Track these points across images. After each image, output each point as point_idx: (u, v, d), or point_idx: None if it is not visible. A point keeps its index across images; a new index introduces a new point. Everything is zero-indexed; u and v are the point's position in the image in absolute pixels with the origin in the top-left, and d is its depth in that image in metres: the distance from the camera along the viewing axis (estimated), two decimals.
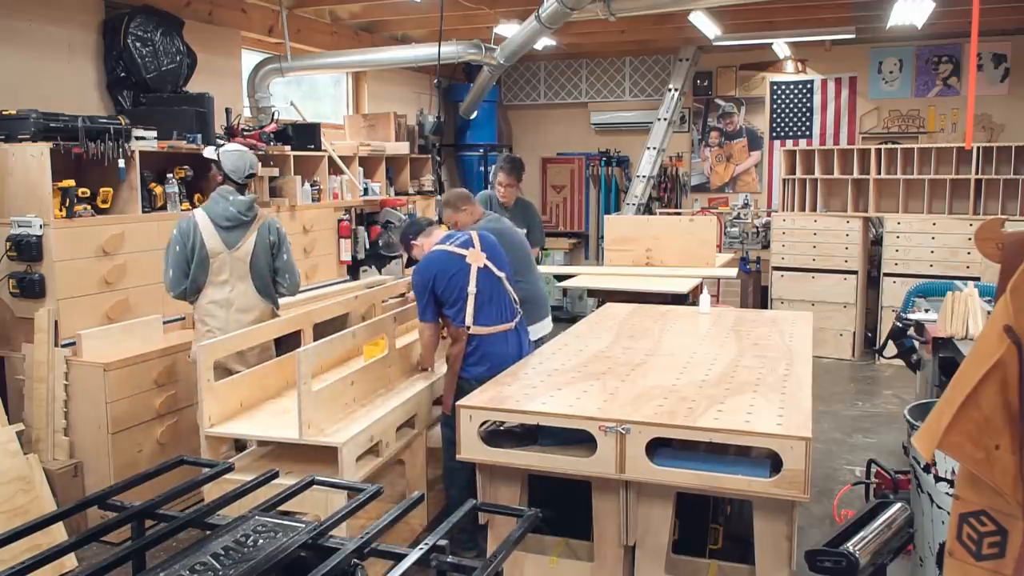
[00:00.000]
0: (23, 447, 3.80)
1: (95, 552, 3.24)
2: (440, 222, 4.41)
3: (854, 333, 7.57)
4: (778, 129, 9.02)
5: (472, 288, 3.72)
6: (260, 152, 5.15)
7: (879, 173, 7.41)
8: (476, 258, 3.79)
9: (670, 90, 8.84)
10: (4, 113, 4.01)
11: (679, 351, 3.74)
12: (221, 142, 4.57)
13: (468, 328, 3.69)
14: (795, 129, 8.94)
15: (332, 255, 5.99)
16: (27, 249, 3.88)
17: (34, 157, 3.90)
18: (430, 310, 3.78)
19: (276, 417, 3.77)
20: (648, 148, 8.80)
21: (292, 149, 5.50)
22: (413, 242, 4.11)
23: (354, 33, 7.53)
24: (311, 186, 5.74)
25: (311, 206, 5.67)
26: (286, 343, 4.35)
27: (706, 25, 7.07)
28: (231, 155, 3.98)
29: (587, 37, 8.19)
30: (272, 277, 4.07)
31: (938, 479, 2.86)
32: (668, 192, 9.52)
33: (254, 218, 3.98)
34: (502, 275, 3.85)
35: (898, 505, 2.57)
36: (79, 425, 3.95)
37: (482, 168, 9.07)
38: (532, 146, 9.98)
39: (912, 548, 3.14)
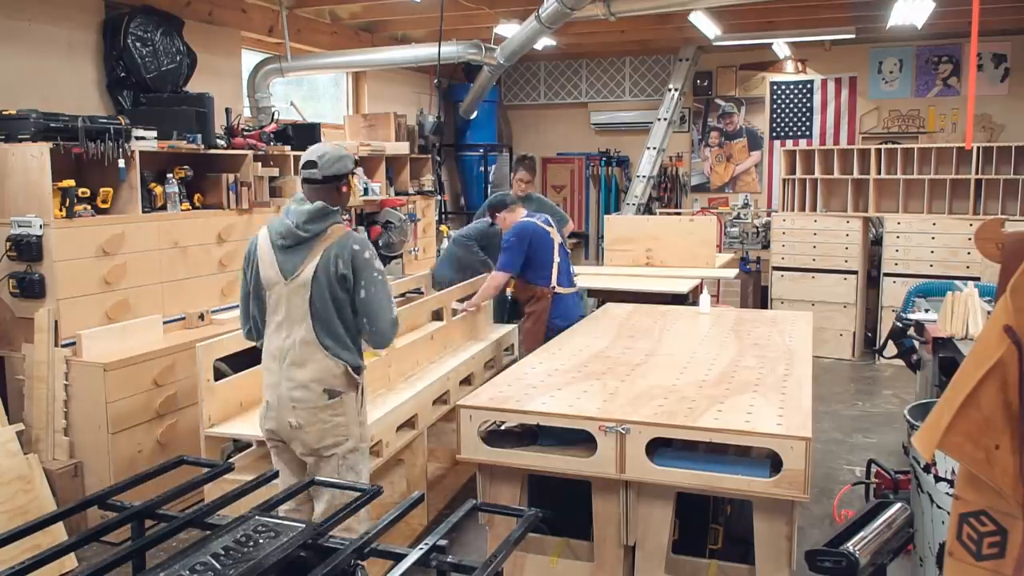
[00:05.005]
0: (23, 447, 3.80)
1: (95, 552, 3.25)
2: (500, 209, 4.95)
3: (854, 333, 7.57)
4: (778, 129, 9.02)
5: (556, 257, 4.67)
6: (260, 152, 5.15)
7: (879, 173, 7.41)
8: (555, 236, 4.75)
9: (670, 90, 8.84)
10: (4, 113, 4.01)
11: (679, 351, 3.75)
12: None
13: (553, 288, 4.62)
14: (795, 129, 8.94)
15: None
16: (27, 249, 3.88)
17: (34, 157, 3.90)
18: (519, 261, 4.61)
19: None
20: (648, 148, 8.80)
21: (292, 149, 5.49)
22: (498, 214, 4.89)
23: (354, 33, 7.53)
24: None
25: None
26: None
27: (706, 25, 7.07)
28: (311, 148, 2.92)
29: (587, 37, 8.19)
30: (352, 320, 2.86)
31: (938, 479, 2.86)
32: (668, 192, 9.52)
33: (317, 235, 2.80)
34: (568, 250, 4.98)
35: (898, 505, 2.56)
36: (79, 425, 3.95)
37: (482, 168, 9.07)
38: (532, 146, 9.97)
39: (912, 548, 3.15)
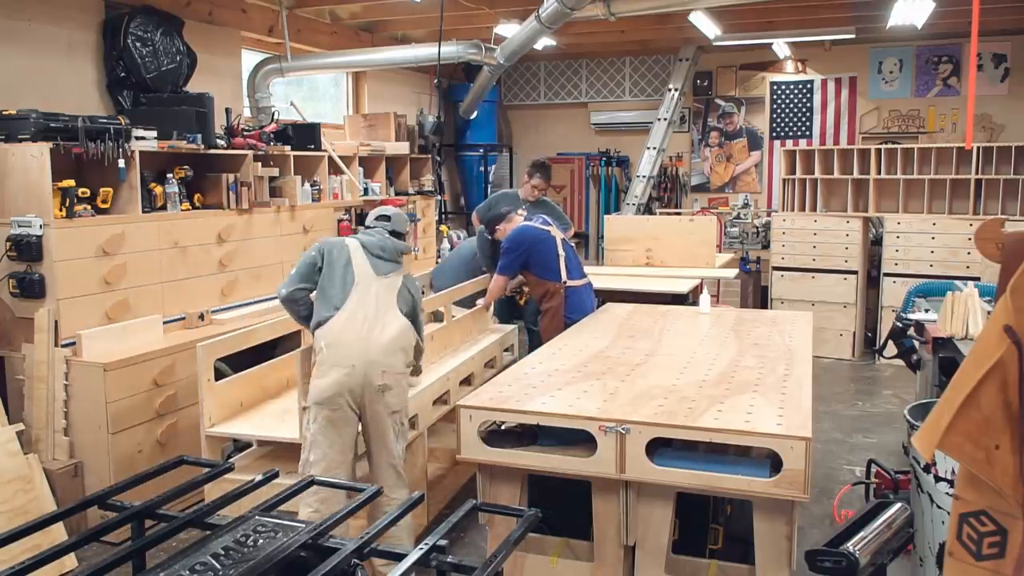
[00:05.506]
0: (23, 447, 3.80)
1: (95, 552, 3.25)
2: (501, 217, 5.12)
3: (854, 333, 7.57)
4: (778, 129, 9.02)
5: (561, 252, 4.80)
6: (260, 152, 5.15)
7: (879, 173, 7.41)
8: (555, 232, 4.88)
9: (670, 90, 8.84)
10: (4, 113, 4.01)
11: (679, 351, 3.75)
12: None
13: (565, 283, 4.75)
14: (795, 129, 8.94)
15: None
16: (27, 249, 3.88)
17: (34, 157, 3.90)
18: (516, 266, 4.79)
19: (276, 417, 3.78)
20: (648, 148, 8.80)
21: (292, 149, 5.49)
22: (498, 227, 5.04)
23: (354, 33, 7.53)
24: (311, 186, 5.74)
25: (311, 206, 5.67)
26: (286, 343, 4.36)
27: (706, 25, 7.07)
28: (383, 208, 3.82)
29: (587, 37, 8.19)
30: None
31: (938, 479, 2.86)
32: (668, 192, 9.52)
33: (401, 264, 3.58)
34: (573, 244, 5.11)
35: (898, 505, 2.57)
36: (79, 425, 3.95)
37: (482, 168, 9.07)
38: (532, 146, 9.98)
39: (912, 548, 3.15)
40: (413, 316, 3.50)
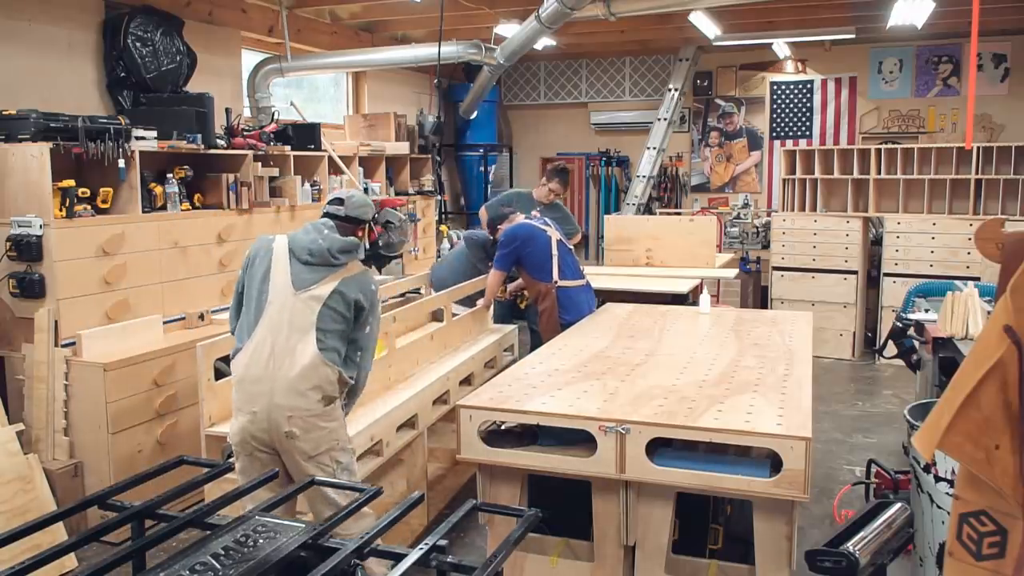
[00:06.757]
0: (23, 447, 3.80)
1: (95, 552, 3.25)
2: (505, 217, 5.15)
3: (854, 333, 7.57)
4: (778, 129, 9.02)
5: (555, 251, 4.84)
6: (260, 152, 5.15)
7: (879, 173, 7.40)
8: (553, 233, 4.91)
9: (670, 90, 8.84)
10: (4, 113, 4.01)
11: (679, 351, 3.74)
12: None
13: (555, 282, 4.80)
14: (795, 129, 8.94)
15: None
16: (27, 249, 3.88)
17: (34, 157, 3.90)
18: (509, 260, 4.85)
19: None
20: (648, 148, 8.80)
21: (292, 149, 5.50)
22: (499, 227, 5.06)
23: (354, 33, 7.53)
24: (311, 186, 5.74)
25: (311, 206, 5.67)
26: None
27: (706, 25, 7.07)
28: (343, 189, 3.19)
29: (587, 37, 8.19)
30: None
31: (938, 479, 2.86)
32: (668, 192, 9.52)
33: (343, 264, 2.96)
34: (571, 246, 5.16)
35: (898, 505, 2.57)
36: (79, 425, 3.95)
37: (482, 168, 9.07)
38: (532, 146, 9.98)
39: (912, 548, 3.15)
40: (348, 334, 2.91)
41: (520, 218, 5.05)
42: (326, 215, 3.05)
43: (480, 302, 5.14)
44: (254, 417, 2.84)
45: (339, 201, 3.06)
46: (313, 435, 2.84)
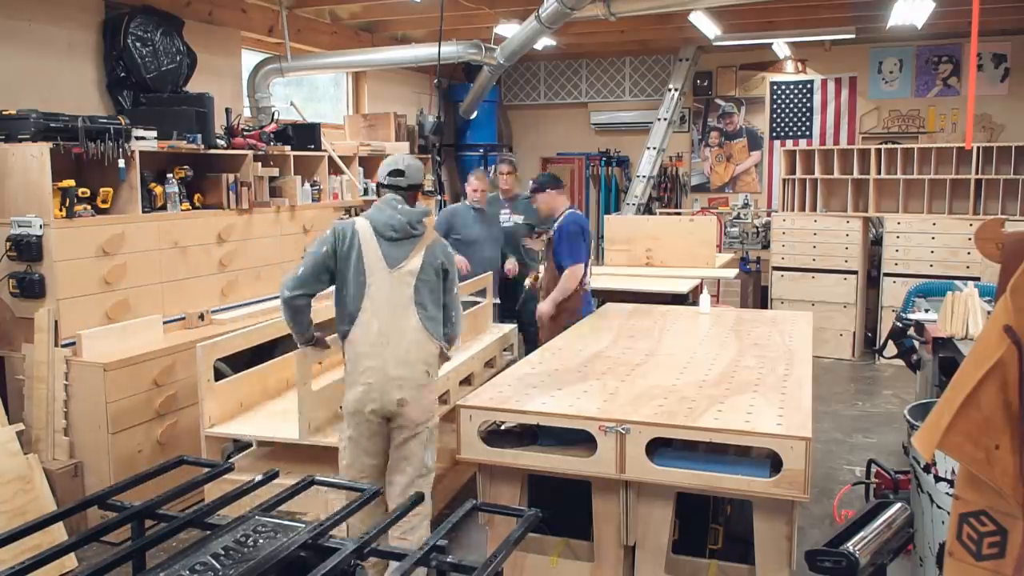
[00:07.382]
0: (23, 447, 3.79)
1: (95, 552, 3.24)
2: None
3: (854, 333, 7.57)
4: (778, 129, 9.02)
5: (591, 253, 4.82)
6: (260, 152, 5.15)
7: (879, 173, 7.41)
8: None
9: (670, 90, 8.83)
10: (4, 113, 4.01)
11: (679, 351, 3.75)
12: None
13: (587, 283, 4.77)
14: (795, 129, 8.94)
15: None
16: (27, 249, 3.88)
17: (34, 157, 3.90)
18: (586, 249, 4.70)
19: (276, 417, 3.78)
20: (648, 148, 8.80)
21: (292, 149, 5.49)
22: (550, 190, 4.77)
23: (354, 33, 7.53)
24: (311, 186, 5.74)
25: (311, 206, 5.67)
26: (286, 343, 4.35)
27: (706, 25, 7.06)
28: (393, 159, 3.28)
29: (587, 37, 8.19)
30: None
31: (938, 479, 2.86)
32: (668, 192, 9.52)
33: (423, 234, 3.16)
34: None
35: (898, 505, 2.57)
36: (79, 425, 3.95)
37: (482, 168, 9.06)
38: (532, 146, 9.98)
39: (912, 548, 3.15)
40: (440, 298, 3.15)
41: (563, 199, 4.84)
42: (388, 187, 3.17)
43: (545, 304, 4.77)
44: (369, 388, 3.06)
45: (399, 172, 3.17)
46: (422, 403, 3.11)
